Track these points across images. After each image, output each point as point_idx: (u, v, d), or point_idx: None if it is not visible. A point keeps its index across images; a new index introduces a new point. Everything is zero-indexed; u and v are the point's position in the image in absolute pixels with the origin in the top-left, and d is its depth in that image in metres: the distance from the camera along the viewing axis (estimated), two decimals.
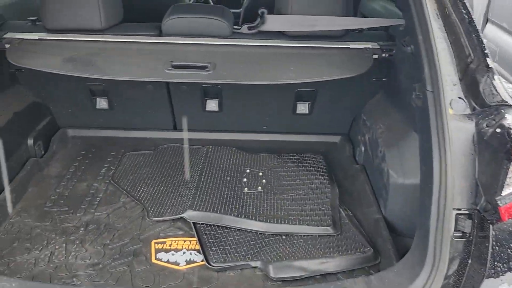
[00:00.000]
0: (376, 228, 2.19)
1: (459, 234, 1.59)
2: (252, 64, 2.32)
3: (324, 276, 1.94)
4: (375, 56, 2.42)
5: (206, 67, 2.23)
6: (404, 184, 2.13)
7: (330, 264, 1.98)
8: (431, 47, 1.68)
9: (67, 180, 2.54)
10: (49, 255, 2.00)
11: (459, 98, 1.63)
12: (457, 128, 1.58)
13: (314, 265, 1.97)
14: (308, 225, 2.19)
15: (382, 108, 2.58)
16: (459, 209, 1.58)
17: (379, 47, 2.44)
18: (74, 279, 1.87)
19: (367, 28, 2.57)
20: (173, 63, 2.24)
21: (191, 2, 4.82)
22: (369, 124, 2.59)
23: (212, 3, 5.27)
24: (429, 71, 1.67)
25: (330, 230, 2.16)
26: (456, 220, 1.58)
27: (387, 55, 2.44)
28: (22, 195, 2.37)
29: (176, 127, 3.00)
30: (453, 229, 1.59)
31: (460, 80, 1.65)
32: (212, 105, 2.85)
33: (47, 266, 1.94)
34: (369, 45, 2.44)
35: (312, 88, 2.71)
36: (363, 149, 2.65)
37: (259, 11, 2.39)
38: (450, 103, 1.63)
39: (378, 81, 2.66)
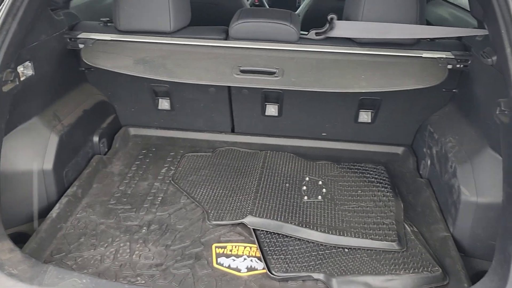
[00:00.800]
0: (443, 247, 2.09)
1: None
2: (322, 71, 2.28)
3: None
4: (449, 66, 2.31)
5: (274, 72, 2.21)
6: (477, 202, 2.02)
7: (396, 282, 1.90)
8: None
9: (129, 178, 2.59)
10: (114, 252, 2.04)
11: None
12: None
13: (380, 282, 1.90)
14: (372, 239, 2.11)
15: (452, 120, 2.46)
16: None
17: (453, 57, 2.33)
18: (139, 278, 1.90)
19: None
20: (241, 68, 2.23)
21: (248, 1, 4.86)
22: (437, 136, 2.48)
23: (267, 6, 5.28)
24: None
25: (395, 246, 2.08)
26: None
27: (461, 65, 2.33)
28: (87, 191, 2.44)
29: (234, 130, 3.01)
30: None
31: None
32: (272, 110, 2.83)
33: (112, 263, 1.98)
34: (443, 54, 2.34)
35: (377, 96, 2.64)
36: (429, 162, 2.55)
37: (329, 17, 2.34)
38: None
39: (449, 92, 2.55)
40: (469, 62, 2.32)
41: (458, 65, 2.33)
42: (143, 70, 2.26)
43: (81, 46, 2.46)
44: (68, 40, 2.47)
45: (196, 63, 2.34)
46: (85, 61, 2.38)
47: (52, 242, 2.08)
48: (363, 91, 2.20)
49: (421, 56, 2.34)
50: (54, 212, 2.17)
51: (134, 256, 2.02)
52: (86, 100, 2.68)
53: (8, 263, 1.67)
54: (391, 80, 2.22)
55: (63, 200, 2.26)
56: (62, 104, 2.46)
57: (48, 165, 2.22)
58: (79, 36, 2.48)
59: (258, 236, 2.15)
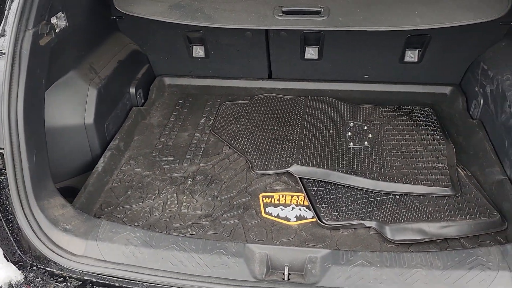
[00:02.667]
0: (500, 191, 2.00)
1: None
2: (371, 7, 2.11)
3: (446, 241, 1.82)
4: None
5: (319, 12, 2.06)
6: None
7: (452, 228, 1.84)
8: None
9: (169, 130, 2.55)
10: (162, 204, 2.04)
11: None
12: None
13: (435, 228, 1.84)
14: (424, 184, 2.04)
15: (510, 57, 2.28)
16: None
17: None
18: (189, 229, 1.90)
19: None
20: (284, 8, 2.09)
21: None
22: (492, 74, 2.32)
23: None
24: None
25: (449, 191, 2.00)
26: None
27: None
28: (129, 143, 2.42)
29: (271, 76, 2.89)
30: None
31: None
32: (311, 52, 2.69)
33: (162, 215, 1.98)
34: None
35: (425, 33, 2.45)
36: (481, 102, 2.40)
37: None
38: None
39: (505, 26, 2.34)
40: None
41: None
42: (179, 16, 2.15)
43: None
44: None
45: (234, 5, 2.20)
46: (118, 8, 2.28)
47: (100, 195, 2.09)
48: (418, 28, 2.03)
49: None
50: (99, 166, 2.17)
51: (182, 207, 2.02)
52: (120, 50, 2.60)
53: (61, 218, 1.69)
54: (448, 15, 2.04)
55: (107, 153, 2.25)
56: (97, 55, 2.39)
57: (89, 119, 2.19)
58: None
59: (305, 185, 2.11)
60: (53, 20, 1.93)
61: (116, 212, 2.00)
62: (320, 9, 2.06)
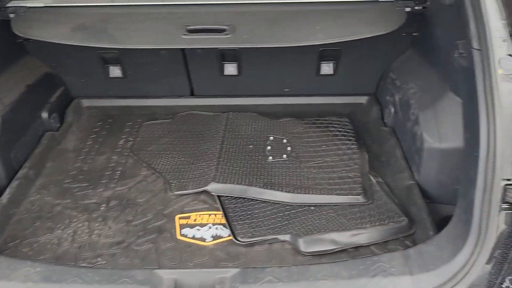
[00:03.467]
0: (409, 195, 2.08)
1: (508, 206, 1.46)
2: (275, 25, 2.14)
3: (357, 249, 1.86)
4: (407, 9, 2.21)
5: (224, 30, 2.06)
6: (440, 149, 1.99)
7: (363, 236, 1.89)
8: (478, 0, 1.49)
9: (85, 154, 2.46)
10: (72, 234, 1.95)
11: (510, 55, 1.46)
12: (508, 90, 1.42)
13: (346, 237, 1.88)
14: (337, 194, 2.08)
15: (413, 66, 2.40)
16: (509, 179, 1.44)
17: None
18: (99, 259, 1.83)
19: None
20: (189, 27, 2.08)
21: None
22: (399, 83, 2.42)
23: None
24: (476, 26, 1.49)
25: (360, 199, 2.06)
26: (505, 191, 1.45)
27: (420, 7, 2.22)
28: (41, 171, 2.31)
29: (193, 93, 2.88)
30: (501, 200, 1.46)
31: (511, 35, 1.47)
32: (230, 69, 2.70)
33: (71, 246, 1.89)
34: None
35: (336, 47, 2.53)
36: (392, 110, 2.50)
37: None
38: (499, 62, 1.46)
39: (408, 36, 2.46)
40: (427, 3, 2.21)
41: (416, 7, 2.23)
42: (82, 38, 2.09)
43: (11, 15, 2.24)
44: None
45: (140, 25, 2.17)
46: (17, 32, 2.18)
47: (5, 229, 1.97)
48: (320, 43, 2.09)
49: (377, 1, 2.23)
50: (4, 198, 2.05)
51: (93, 236, 1.94)
52: (29, 74, 2.49)
53: None
54: (348, 29, 2.11)
55: (14, 183, 2.13)
56: (1, 81, 2.27)
57: None
58: (8, 5, 2.26)
59: (222, 203, 2.09)
60: None
61: (21, 246, 1.89)
62: (225, 27, 2.08)
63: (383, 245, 1.87)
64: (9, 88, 2.29)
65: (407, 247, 1.83)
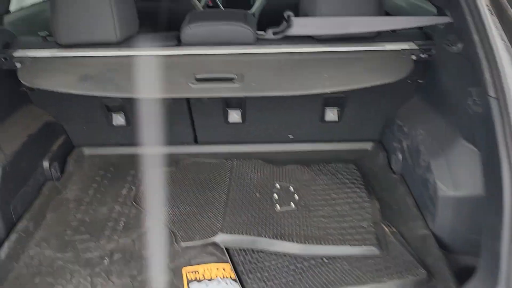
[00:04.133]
0: (424, 245, 2.01)
1: None
2: (282, 73, 2.15)
3: None
4: (413, 57, 2.23)
5: (232, 78, 2.06)
6: (456, 197, 1.95)
7: None
8: (491, 47, 1.50)
9: (87, 204, 2.38)
10: None
11: None
12: None
13: None
14: (350, 245, 2.01)
15: (420, 112, 2.39)
16: None
17: (417, 47, 2.25)
18: None
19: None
20: (197, 76, 2.07)
21: (201, 2, 4.69)
22: (407, 130, 2.41)
23: (221, 6, 5.13)
24: (491, 74, 1.49)
25: (375, 250, 1.98)
26: None
27: (426, 55, 2.25)
28: (40, 222, 2.22)
29: (197, 141, 2.84)
30: None
31: None
32: (234, 116, 2.69)
33: None
34: (406, 45, 2.25)
35: (340, 94, 2.54)
36: (400, 157, 2.47)
37: (285, 14, 2.21)
38: None
39: (414, 83, 2.48)
40: (433, 51, 2.24)
41: (422, 55, 2.25)
42: (89, 88, 2.07)
43: (18, 65, 2.23)
44: (3, 60, 2.24)
45: (147, 74, 2.15)
46: (23, 82, 2.16)
47: (3, 286, 1.86)
48: (327, 91, 2.09)
49: (383, 49, 2.25)
50: (2, 253, 1.95)
51: None
52: (31, 123, 2.45)
53: None
54: (355, 77, 2.12)
55: (12, 237, 2.04)
56: (2, 130, 2.23)
57: None
58: (15, 55, 2.25)
59: (231, 255, 2.01)
60: None
61: None
62: (234, 76, 2.07)
63: None
64: (11, 137, 2.24)
65: None
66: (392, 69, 2.15)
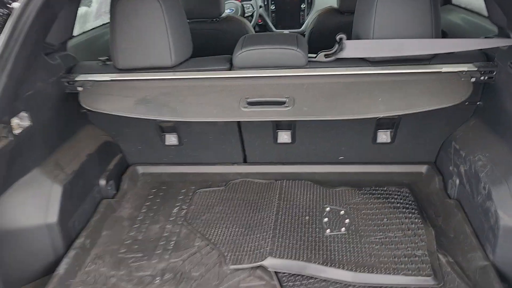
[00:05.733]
0: (484, 278, 1.90)
1: None
2: (335, 96, 2.13)
3: None
4: (473, 79, 2.14)
5: (284, 102, 2.07)
6: None
7: None
8: None
9: (140, 222, 2.45)
10: None
11: None
12: None
13: None
14: (404, 274, 1.94)
15: (479, 136, 2.28)
16: None
17: (476, 69, 2.16)
18: None
19: None
20: (249, 100, 2.10)
21: (252, 23, 4.75)
22: (464, 154, 2.30)
23: (271, 24, 5.18)
24: None
25: (431, 281, 1.90)
26: None
27: (486, 77, 2.15)
28: (96, 240, 2.31)
29: (246, 161, 2.86)
30: None
31: None
32: (284, 137, 2.68)
33: None
34: (464, 67, 2.16)
35: (395, 115, 2.47)
36: (457, 182, 2.36)
37: (337, 37, 2.20)
38: None
39: (472, 105, 2.37)
40: (494, 73, 2.14)
41: (482, 77, 2.16)
42: (145, 111, 2.15)
43: (79, 89, 2.35)
44: (66, 84, 2.37)
45: (201, 98, 2.21)
46: (84, 105, 2.28)
47: None
48: (381, 115, 2.03)
49: (440, 71, 2.18)
50: (61, 268, 2.04)
51: None
52: (90, 143, 2.56)
53: None
54: (411, 101, 2.06)
55: (71, 253, 2.13)
56: (64, 150, 2.35)
57: (53, 218, 2.09)
58: (77, 79, 2.37)
59: (280, 280, 1.99)
60: (15, 121, 1.90)
61: None
62: (285, 99, 2.08)
63: None
64: (72, 157, 2.35)
65: None
66: (450, 92, 2.07)
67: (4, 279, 1.66)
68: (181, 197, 2.67)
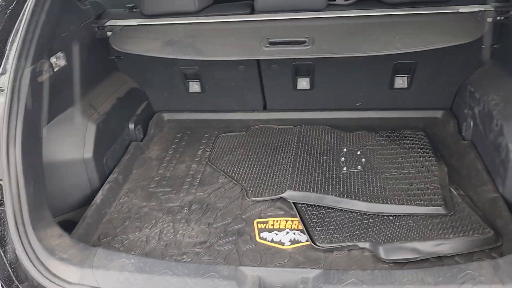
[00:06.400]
0: (493, 208, 2.01)
1: None
2: (353, 36, 2.20)
3: (440, 259, 1.81)
4: (489, 19, 2.19)
5: (304, 42, 2.15)
6: None
7: (446, 246, 1.84)
8: None
9: (167, 162, 2.61)
10: (158, 233, 2.07)
11: None
12: None
13: (429, 247, 1.84)
14: (417, 205, 2.05)
15: (494, 78, 2.34)
16: None
17: (493, 9, 2.20)
18: (184, 256, 1.92)
19: None
20: (270, 40, 2.19)
21: None
22: (479, 96, 2.37)
23: None
24: None
25: (442, 210, 2.01)
26: None
27: (502, 17, 2.19)
28: (128, 176, 2.48)
29: (266, 108, 2.97)
30: None
31: None
32: (303, 83, 2.78)
33: (158, 243, 2.01)
34: (481, 8, 2.20)
35: (411, 59, 2.54)
36: (471, 123, 2.44)
37: None
38: None
39: (488, 48, 2.42)
40: (511, 13, 2.18)
41: (498, 17, 2.20)
42: (171, 51, 2.26)
43: (109, 34, 2.48)
44: (96, 29, 2.49)
45: (224, 39, 2.31)
46: (114, 47, 2.40)
47: (98, 227, 2.13)
48: (398, 52, 2.11)
49: (457, 12, 2.22)
50: (98, 199, 2.22)
51: (178, 235, 2.05)
52: (119, 88, 2.71)
53: (58, 248, 1.72)
54: (426, 39, 2.12)
55: (106, 186, 2.31)
56: (96, 93, 2.49)
57: (88, 153, 2.26)
58: (106, 24, 2.50)
59: (299, 210, 2.13)
60: (53, 60, 2.05)
61: (113, 242, 2.03)
62: (305, 39, 2.16)
63: (468, 257, 1.81)
64: (103, 99, 2.50)
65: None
66: (466, 31, 2.12)
67: (50, 207, 1.84)
68: (204, 141, 2.82)
